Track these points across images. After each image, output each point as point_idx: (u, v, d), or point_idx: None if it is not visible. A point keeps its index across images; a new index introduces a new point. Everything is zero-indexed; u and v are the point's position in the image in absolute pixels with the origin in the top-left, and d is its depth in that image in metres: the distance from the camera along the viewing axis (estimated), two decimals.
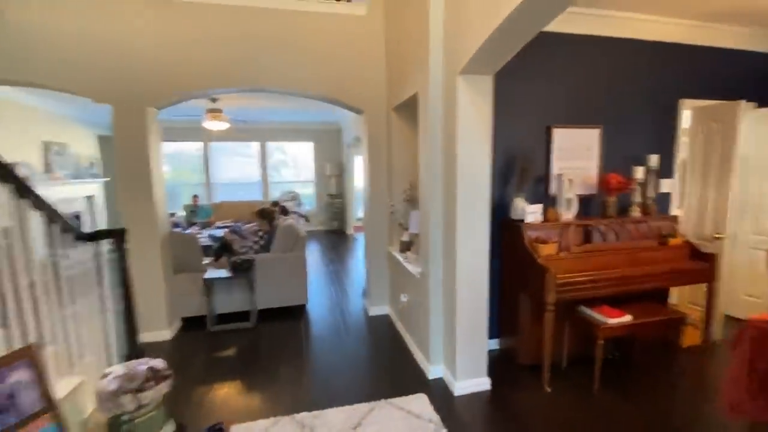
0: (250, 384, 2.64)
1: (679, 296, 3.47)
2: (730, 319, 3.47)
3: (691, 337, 3.04)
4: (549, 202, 2.98)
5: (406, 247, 3.16)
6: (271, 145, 9.11)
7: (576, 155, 3.08)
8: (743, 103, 2.96)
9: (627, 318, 2.47)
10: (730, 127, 3.03)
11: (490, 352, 3.01)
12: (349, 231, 8.79)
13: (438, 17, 2.36)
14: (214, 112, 6.05)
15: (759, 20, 3.12)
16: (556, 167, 3.01)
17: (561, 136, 3.02)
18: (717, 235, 3.14)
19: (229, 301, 3.74)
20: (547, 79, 2.98)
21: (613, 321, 2.43)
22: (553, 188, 2.99)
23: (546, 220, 2.76)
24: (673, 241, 2.85)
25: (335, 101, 3.65)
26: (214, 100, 6.04)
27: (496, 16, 1.70)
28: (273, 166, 9.34)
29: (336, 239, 8.18)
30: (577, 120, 3.06)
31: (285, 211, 5.38)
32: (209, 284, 3.60)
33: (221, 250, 4.26)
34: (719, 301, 3.07)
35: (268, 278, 3.80)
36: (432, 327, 2.62)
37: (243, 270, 3.61)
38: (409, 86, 2.88)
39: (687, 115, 3.37)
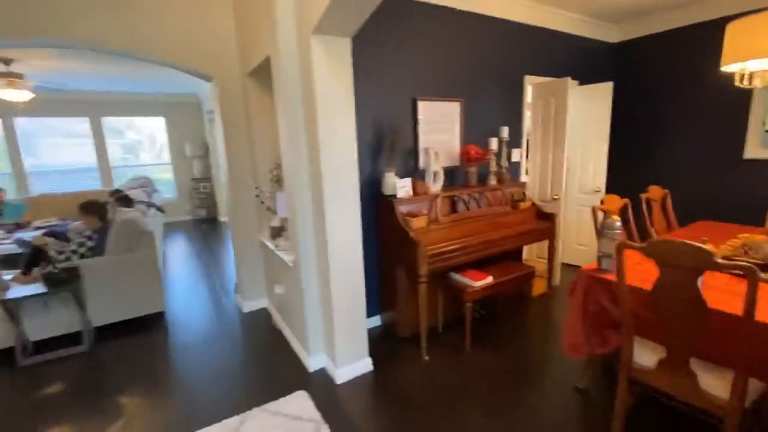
0: (86, 425, 2.07)
1: (528, 252, 3.96)
2: (567, 267, 4.13)
3: (539, 287, 3.51)
4: (418, 175, 3.00)
5: (276, 233, 2.84)
6: (115, 122, 7.43)
7: (441, 128, 3.14)
8: (569, 80, 3.39)
9: (489, 279, 2.66)
10: (561, 101, 3.47)
11: (374, 329, 3.00)
12: (222, 218, 7.90)
13: None
14: (9, 77, 4.54)
15: (580, 7, 3.58)
16: (423, 141, 3.02)
17: (426, 109, 3.03)
18: (555, 197, 3.64)
19: (48, 324, 2.90)
20: (413, 50, 2.92)
21: (478, 284, 2.59)
22: (421, 162, 3.01)
23: (416, 193, 2.76)
24: (523, 205, 3.17)
25: (175, 65, 2.99)
26: (7, 61, 4.53)
27: None
28: (128, 147, 7.69)
29: (206, 229, 7.26)
30: (441, 93, 3.11)
31: (128, 202, 4.42)
32: (11, 307, 2.71)
33: (32, 259, 3.28)
34: (558, 253, 3.59)
35: (104, 287, 3.05)
36: (308, 315, 2.42)
37: (62, 282, 2.81)
38: (260, 48, 2.49)
39: (530, 90, 3.75)
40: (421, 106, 2.98)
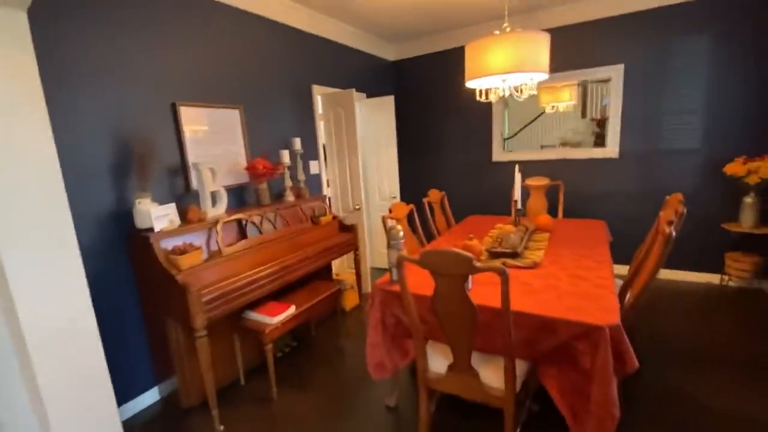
0: None
1: (340, 265, 3.87)
2: (377, 271, 4.24)
3: (351, 299, 3.43)
4: (192, 198, 2.44)
5: None
6: None
7: (218, 139, 2.65)
8: (354, 91, 3.44)
9: (291, 310, 2.35)
10: (349, 112, 3.49)
11: (147, 409, 2.25)
12: None
13: None
14: None
15: (356, 22, 3.69)
16: (192, 155, 2.47)
17: (194, 117, 2.48)
18: (356, 206, 3.64)
19: None
20: (174, 45, 2.35)
21: (278, 319, 2.24)
22: (194, 182, 2.45)
23: (188, 221, 2.20)
24: (324, 220, 3.00)
25: None
26: None
27: None
28: None
29: None
30: (212, 98, 2.62)
31: None
32: None
33: None
34: (366, 262, 3.60)
35: None
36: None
37: None
38: None
39: (320, 100, 3.65)
40: (185, 112, 2.42)
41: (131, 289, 2.18)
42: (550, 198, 3.56)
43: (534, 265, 2.06)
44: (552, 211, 3.53)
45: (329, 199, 3.63)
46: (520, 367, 1.63)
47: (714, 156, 3.30)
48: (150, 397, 2.30)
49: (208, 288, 1.99)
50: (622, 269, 3.48)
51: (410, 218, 2.93)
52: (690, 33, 3.25)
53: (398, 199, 4.10)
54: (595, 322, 1.42)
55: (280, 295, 2.56)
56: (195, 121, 2.49)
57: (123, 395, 2.13)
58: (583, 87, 3.89)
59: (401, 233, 1.89)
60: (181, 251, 2.00)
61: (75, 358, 1.53)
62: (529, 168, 4.06)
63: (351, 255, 3.57)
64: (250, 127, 2.88)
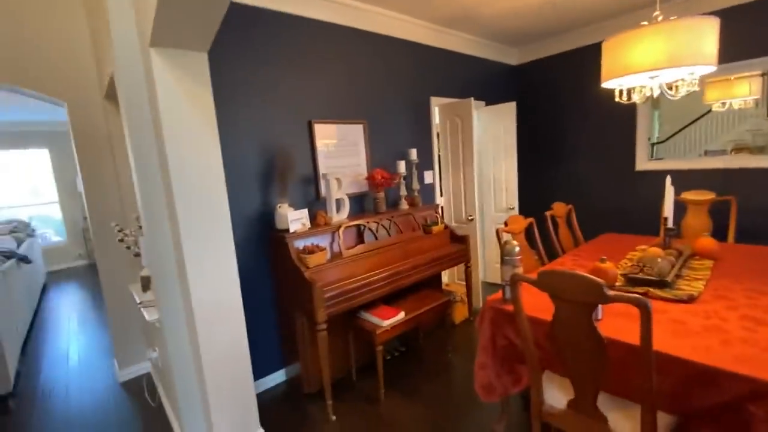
0: None
1: (450, 276, 3.82)
2: (489, 286, 4.05)
3: (460, 312, 3.34)
4: (320, 205, 2.72)
5: (146, 284, 2.35)
6: None
7: (344, 152, 2.91)
8: (473, 100, 3.38)
9: (401, 315, 2.41)
10: (467, 121, 3.43)
11: (276, 387, 2.58)
12: None
13: None
14: None
15: (479, 31, 3.64)
16: (323, 166, 2.76)
17: (325, 132, 2.78)
18: (470, 217, 3.55)
19: None
20: (306, 69, 2.68)
21: (388, 322, 2.32)
22: (323, 190, 2.73)
23: (316, 225, 2.46)
24: (435, 229, 3.01)
25: (14, 89, 2.44)
26: None
27: None
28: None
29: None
30: (341, 115, 2.89)
31: None
32: None
33: None
34: (477, 275, 3.48)
35: None
36: (181, 387, 1.95)
37: None
38: (108, 64, 2.07)
39: (437, 111, 3.69)
40: (319, 128, 2.73)
41: (267, 281, 2.54)
42: (716, 217, 2.88)
43: (690, 299, 1.69)
44: (720, 233, 2.84)
45: (441, 208, 3.62)
46: (663, 419, 1.35)
47: None
48: (278, 377, 2.63)
49: (330, 286, 2.19)
50: None
51: (529, 233, 2.72)
52: None
53: (516, 211, 3.85)
54: None
55: (391, 299, 2.65)
56: (326, 136, 2.78)
57: (255, 372, 2.48)
58: None
59: (517, 248, 1.77)
60: (310, 251, 2.25)
61: (225, 332, 1.85)
62: (686, 179, 3.37)
63: (461, 267, 3.49)
64: (371, 140, 3.08)
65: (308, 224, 2.41)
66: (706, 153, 3.46)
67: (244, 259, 2.38)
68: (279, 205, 2.41)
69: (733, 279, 1.89)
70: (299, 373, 2.49)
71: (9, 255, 3.96)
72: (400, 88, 3.32)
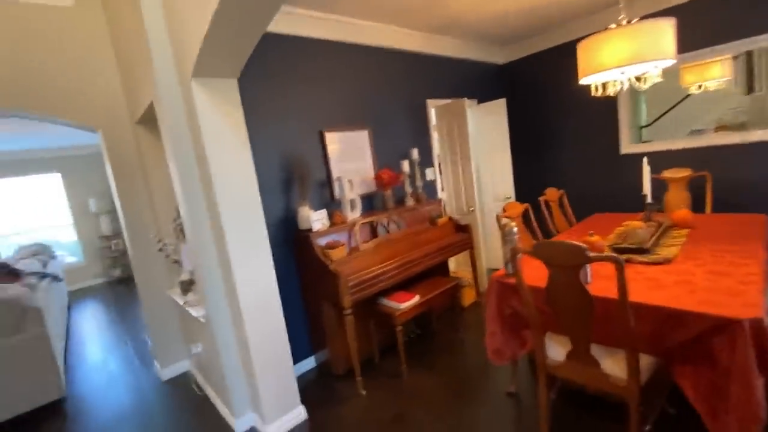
0: None
1: (456, 264, 4.09)
2: (493, 271, 4.32)
3: (469, 296, 3.62)
4: (335, 205, 2.99)
5: (186, 287, 2.62)
6: None
7: (352, 156, 3.18)
8: (465, 100, 3.66)
9: (416, 299, 2.68)
10: (462, 120, 3.72)
11: (308, 372, 2.85)
12: None
13: (156, 9, 1.94)
14: None
15: (465, 34, 3.92)
16: (335, 170, 3.03)
17: (335, 140, 3.05)
18: (471, 209, 3.83)
19: None
20: (314, 85, 2.95)
21: (405, 305, 2.59)
22: (336, 192, 3.01)
23: (334, 224, 2.73)
24: (440, 221, 3.29)
25: (52, 119, 2.71)
26: None
27: (207, 12, 1.45)
28: (15, 211, 6.72)
29: (123, 290, 6.53)
30: (348, 123, 3.17)
31: (16, 276, 3.83)
32: None
33: None
34: (481, 261, 3.75)
35: None
36: (228, 373, 2.22)
37: None
38: (144, 94, 2.35)
39: (433, 112, 3.97)
40: (329, 137, 3.01)
41: (294, 278, 2.81)
42: (698, 192, 3.16)
43: (665, 261, 1.97)
44: (700, 205, 3.13)
45: (444, 202, 3.90)
46: (646, 360, 1.62)
47: None
48: (308, 364, 2.90)
49: (352, 276, 2.47)
50: None
51: (526, 218, 3.00)
52: None
53: (513, 199, 4.13)
54: (732, 315, 1.36)
55: (406, 286, 2.92)
56: (336, 143, 3.05)
57: None
58: (748, 56, 3.32)
59: (515, 228, 2.05)
60: (332, 246, 2.52)
61: (267, 321, 2.13)
62: (672, 158, 3.66)
63: (467, 256, 3.77)
64: (376, 143, 3.36)
65: (328, 223, 2.69)
66: (692, 132, 3.73)
67: (274, 258, 2.65)
68: (300, 207, 2.68)
69: (704, 243, 2.18)
70: (327, 358, 2.76)
71: (42, 275, 4.22)
72: (399, 93, 3.60)
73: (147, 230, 2.96)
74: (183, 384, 2.97)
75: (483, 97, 4.40)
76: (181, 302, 2.60)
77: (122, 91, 2.85)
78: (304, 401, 2.35)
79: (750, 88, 3.40)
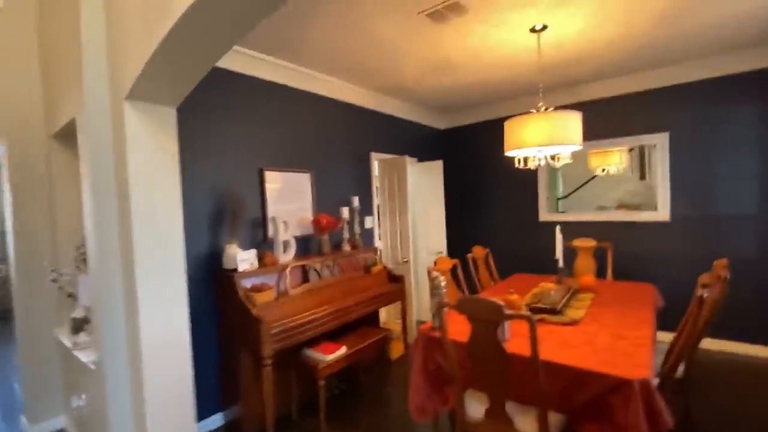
0: None
1: (387, 314, 4.07)
2: (422, 323, 4.35)
3: (397, 349, 3.58)
4: (268, 246, 2.88)
5: (78, 326, 2.27)
6: None
7: (291, 198, 3.15)
8: (406, 157, 3.88)
9: (343, 350, 2.59)
10: (402, 175, 3.91)
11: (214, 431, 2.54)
12: None
13: (96, 23, 1.86)
14: None
15: (412, 99, 4.25)
16: (272, 210, 2.96)
17: (275, 179, 3.02)
18: (405, 260, 3.91)
19: None
20: (259, 123, 2.95)
21: (330, 357, 2.48)
22: (270, 232, 2.92)
23: (264, 265, 2.61)
24: (375, 269, 3.30)
25: None
26: None
27: (155, 37, 1.42)
28: None
29: (2, 325, 5.45)
30: (290, 164, 3.16)
31: None
32: None
33: None
34: (412, 313, 3.78)
35: None
36: (116, 430, 1.90)
37: None
38: (68, 108, 2.16)
39: (376, 164, 4.14)
40: (269, 175, 2.96)
41: (211, 321, 2.58)
42: (602, 260, 3.57)
43: (573, 322, 2.14)
44: (602, 272, 3.53)
45: (380, 251, 3.95)
46: (556, 418, 1.70)
47: None
48: (216, 421, 2.58)
49: (276, 322, 2.33)
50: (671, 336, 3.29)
51: (455, 273, 3.13)
52: (739, 102, 3.33)
53: (445, 254, 4.31)
54: (624, 376, 1.50)
55: (334, 336, 2.82)
56: (276, 183, 3.01)
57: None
58: (640, 149, 3.97)
59: (443, 283, 2.12)
60: (257, 289, 2.39)
61: (172, 371, 1.89)
62: (584, 229, 4.12)
63: (398, 308, 3.79)
64: (317, 187, 3.38)
65: (256, 264, 2.56)
66: (598, 208, 4.28)
67: (190, 297, 2.43)
68: (228, 245, 2.54)
69: (606, 306, 2.43)
70: (239, 415, 2.49)
71: None
72: (343, 143, 3.72)
73: (41, 256, 2.57)
74: None
75: (423, 157, 4.71)
76: (68, 344, 2.23)
77: (41, 101, 2.60)
78: None
79: (642, 176, 4.05)
